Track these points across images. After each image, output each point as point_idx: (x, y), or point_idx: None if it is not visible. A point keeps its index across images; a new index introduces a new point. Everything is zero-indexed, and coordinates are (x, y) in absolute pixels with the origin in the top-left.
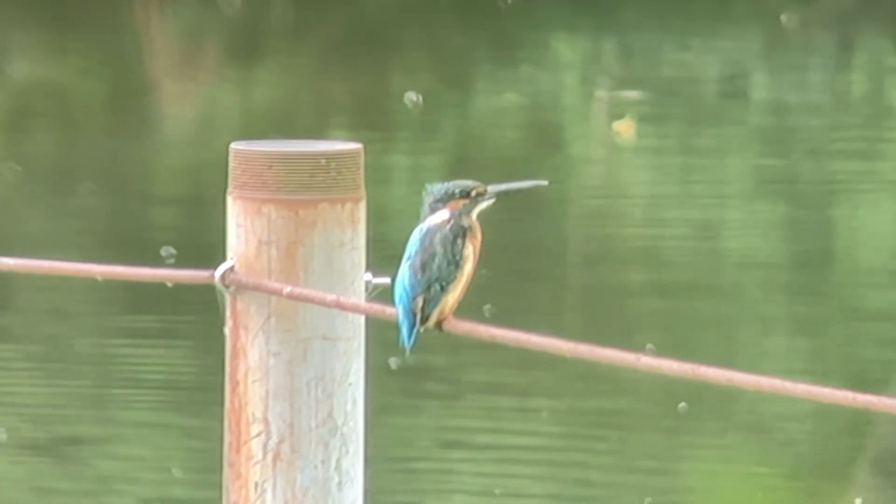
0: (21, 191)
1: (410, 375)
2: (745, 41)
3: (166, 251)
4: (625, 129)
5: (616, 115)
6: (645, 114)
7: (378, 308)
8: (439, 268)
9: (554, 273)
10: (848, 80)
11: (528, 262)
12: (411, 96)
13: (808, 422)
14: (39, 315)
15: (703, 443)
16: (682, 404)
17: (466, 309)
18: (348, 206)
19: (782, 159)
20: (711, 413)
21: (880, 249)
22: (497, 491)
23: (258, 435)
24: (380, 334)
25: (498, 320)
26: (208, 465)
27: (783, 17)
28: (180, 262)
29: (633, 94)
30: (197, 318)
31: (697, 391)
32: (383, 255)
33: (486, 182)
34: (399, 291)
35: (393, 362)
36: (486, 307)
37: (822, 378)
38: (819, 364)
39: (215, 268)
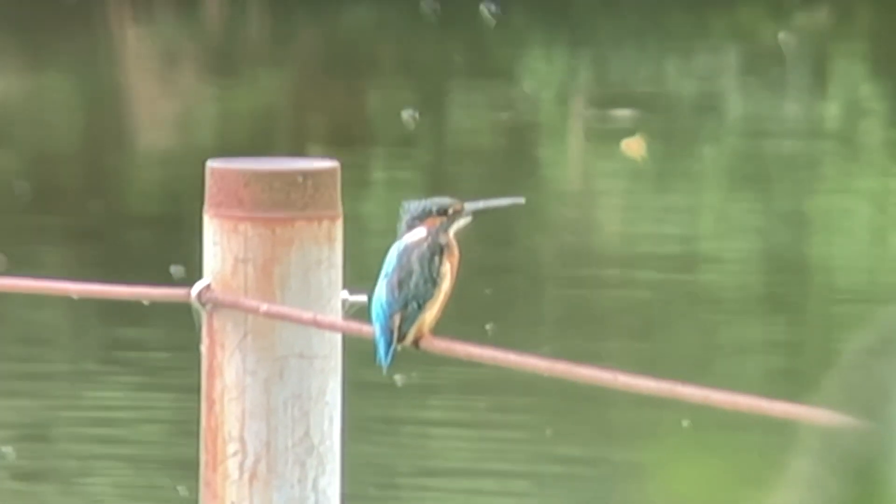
0: None
1: (389, 393)
2: (721, 59)
3: (175, 270)
4: (635, 147)
5: (609, 133)
6: (621, 132)
7: (355, 326)
8: (416, 286)
9: (525, 291)
10: (823, 98)
11: (505, 281)
12: (409, 112)
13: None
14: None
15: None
16: (686, 422)
17: (466, 326)
18: (325, 223)
19: (758, 179)
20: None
21: (856, 268)
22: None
23: (234, 454)
24: (357, 352)
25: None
26: (185, 481)
27: (780, 36)
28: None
29: (625, 113)
30: (173, 336)
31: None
32: (360, 273)
33: (464, 199)
34: (376, 309)
35: (399, 379)
36: (488, 326)
37: (798, 397)
38: (796, 383)
39: (191, 285)
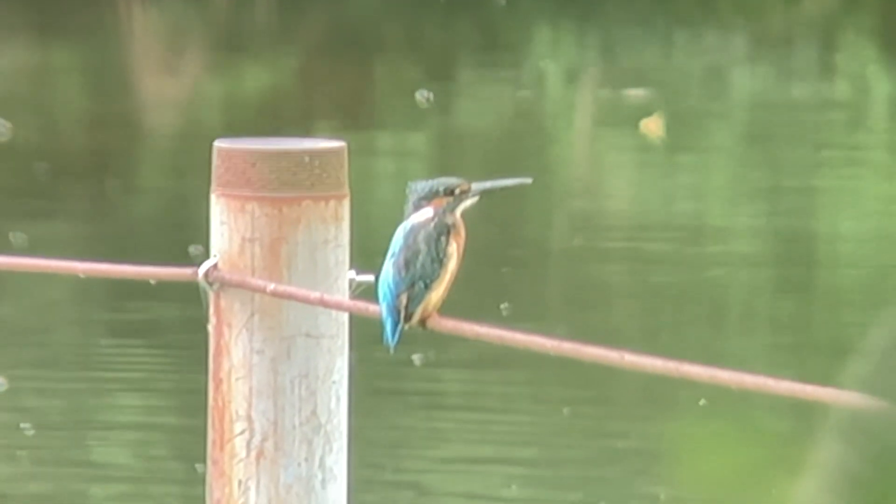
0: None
1: (396, 373)
2: (729, 37)
3: (195, 249)
4: (653, 126)
5: (623, 112)
6: (635, 111)
7: (362, 306)
8: (423, 265)
9: (535, 271)
10: (831, 79)
11: (514, 255)
12: (423, 94)
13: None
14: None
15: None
16: (703, 401)
17: (481, 306)
18: (332, 203)
19: (766, 158)
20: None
21: (863, 243)
22: (483, 486)
23: (242, 433)
24: (364, 331)
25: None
26: (192, 462)
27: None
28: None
29: (638, 92)
30: (180, 315)
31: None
32: (367, 252)
33: (471, 180)
34: (383, 289)
35: (417, 359)
36: (503, 306)
37: (805, 375)
38: (802, 361)
39: (198, 265)
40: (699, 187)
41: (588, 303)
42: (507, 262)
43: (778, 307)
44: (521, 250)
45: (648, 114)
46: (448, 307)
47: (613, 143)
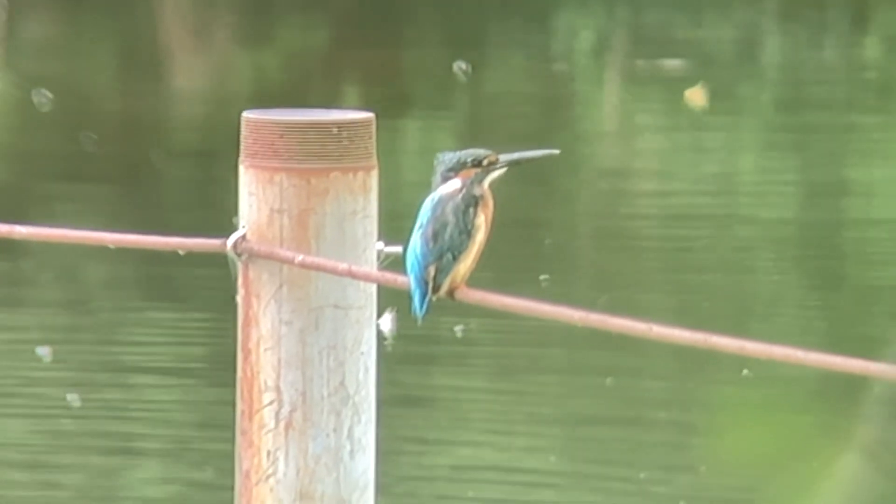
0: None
1: (424, 343)
2: (759, 9)
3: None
4: (697, 96)
5: (659, 83)
6: (672, 83)
7: (390, 277)
8: (451, 237)
9: (577, 244)
10: (863, 47)
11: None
12: (460, 65)
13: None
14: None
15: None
16: (746, 371)
17: (520, 278)
18: (360, 174)
19: (797, 128)
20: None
21: (893, 216)
22: (509, 459)
23: (270, 403)
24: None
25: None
26: (221, 432)
27: None
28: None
29: (674, 64)
30: (210, 285)
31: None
32: (395, 224)
33: (499, 151)
34: (411, 260)
35: (458, 330)
36: (543, 277)
37: (834, 346)
38: (831, 332)
39: (227, 236)
40: (727, 157)
41: (627, 277)
42: (550, 234)
43: (807, 279)
44: (563, 223)
45: (688, 85)
46: (487, 278)
47: (654, 113)
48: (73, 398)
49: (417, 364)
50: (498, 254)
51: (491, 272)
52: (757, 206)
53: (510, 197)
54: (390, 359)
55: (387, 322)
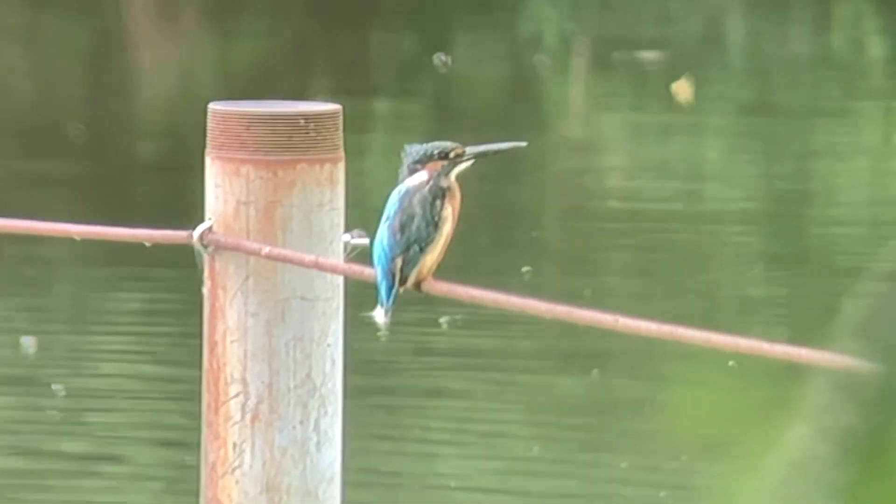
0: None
1: (392, 336)
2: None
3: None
4: (682, 90)
5: (637, 75)
6: (649, 76)
7: (357, 269)
8: (418, 229)
9: (529, 234)
10: (828, 32)
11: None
12: (441, 56)
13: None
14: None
15: None
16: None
17: (502, 270)
18: (327, 166)
19: (763, 113)
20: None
21: (857, 203)
22: (477, 452)
23: (237, 395)
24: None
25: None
26: (187, 424)
27: None
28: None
29: (651, 55)
30: (175, 277)
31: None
32: (361, 216)
33: (465, 143)
34: (378, 252)
35: (444, 321)
36: (525, 269)
37: (799, 338)
38: (796, 324)
39: (193, 228)
40: (692, 146)
41: (610, 266)
42: (535, 226)
43: (772, 270)
44: (546, 214)
45: (673, 78)
46: (467, 270)
47: (618, 103)
48: (57, 387)
49: (392, 355)
50: (476, 245)
51: (469, 263)
52: (719, 193)
53: (493, 190)
54: (365, 351)
55: (380, 314)
